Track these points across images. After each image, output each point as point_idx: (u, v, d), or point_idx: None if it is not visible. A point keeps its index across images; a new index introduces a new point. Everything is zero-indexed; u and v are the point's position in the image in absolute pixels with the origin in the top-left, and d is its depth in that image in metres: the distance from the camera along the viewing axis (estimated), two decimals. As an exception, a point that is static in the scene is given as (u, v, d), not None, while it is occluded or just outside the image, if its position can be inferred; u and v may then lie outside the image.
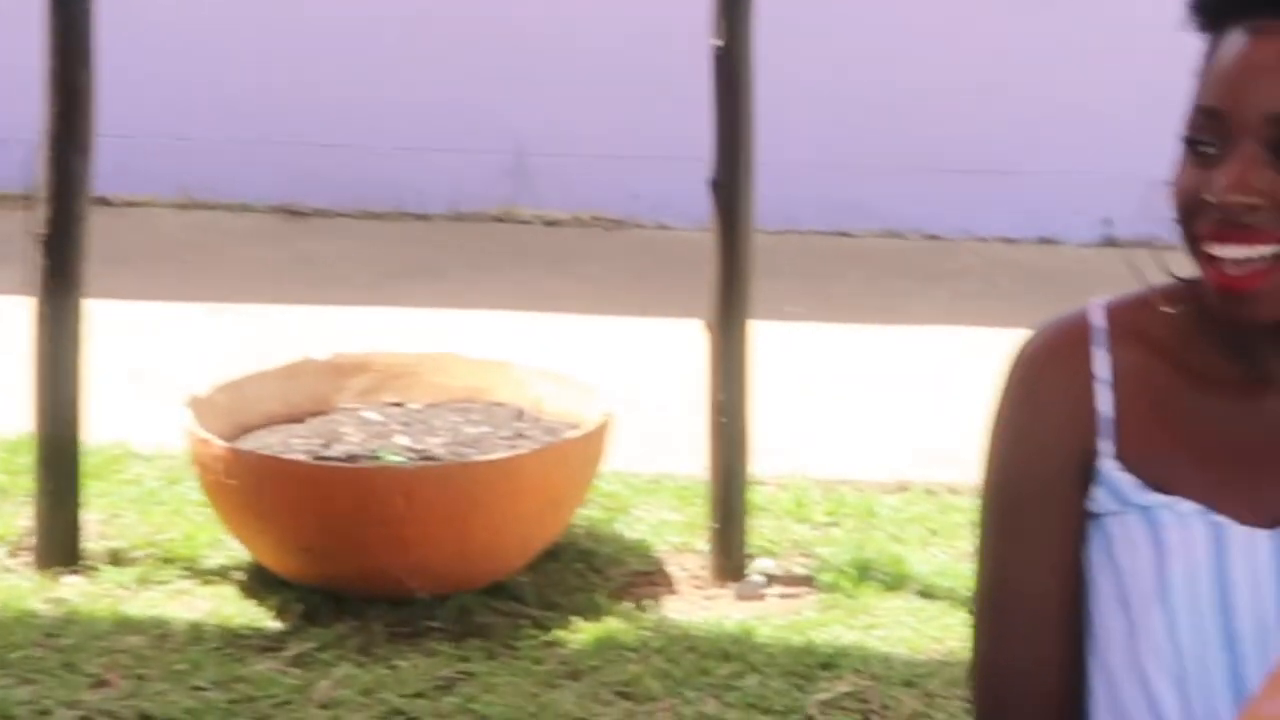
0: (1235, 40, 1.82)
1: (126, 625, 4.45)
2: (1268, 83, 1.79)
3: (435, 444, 4.78)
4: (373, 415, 4.95)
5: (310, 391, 4.99)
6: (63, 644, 4.36)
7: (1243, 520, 1.87)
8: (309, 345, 5.42)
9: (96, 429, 5.02)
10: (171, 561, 4.80)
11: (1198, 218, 1.82)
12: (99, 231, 7.70)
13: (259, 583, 4.62)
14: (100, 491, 5.12)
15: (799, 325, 6.69)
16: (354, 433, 4.84)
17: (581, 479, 4.62)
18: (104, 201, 7.95)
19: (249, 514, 4.49)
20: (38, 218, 4.75)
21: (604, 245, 7.76)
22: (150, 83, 7.90)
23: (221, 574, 4.71)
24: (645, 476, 5.30)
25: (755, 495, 5.00)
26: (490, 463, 4.43)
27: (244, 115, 7.97)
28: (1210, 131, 1.81)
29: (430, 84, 7.89)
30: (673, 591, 4.70)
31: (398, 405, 5.02)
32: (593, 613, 4.50)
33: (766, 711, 4.10)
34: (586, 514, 4.99)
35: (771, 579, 4.75)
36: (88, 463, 5.20)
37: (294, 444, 4.78)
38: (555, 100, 7.82)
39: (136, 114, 7.94)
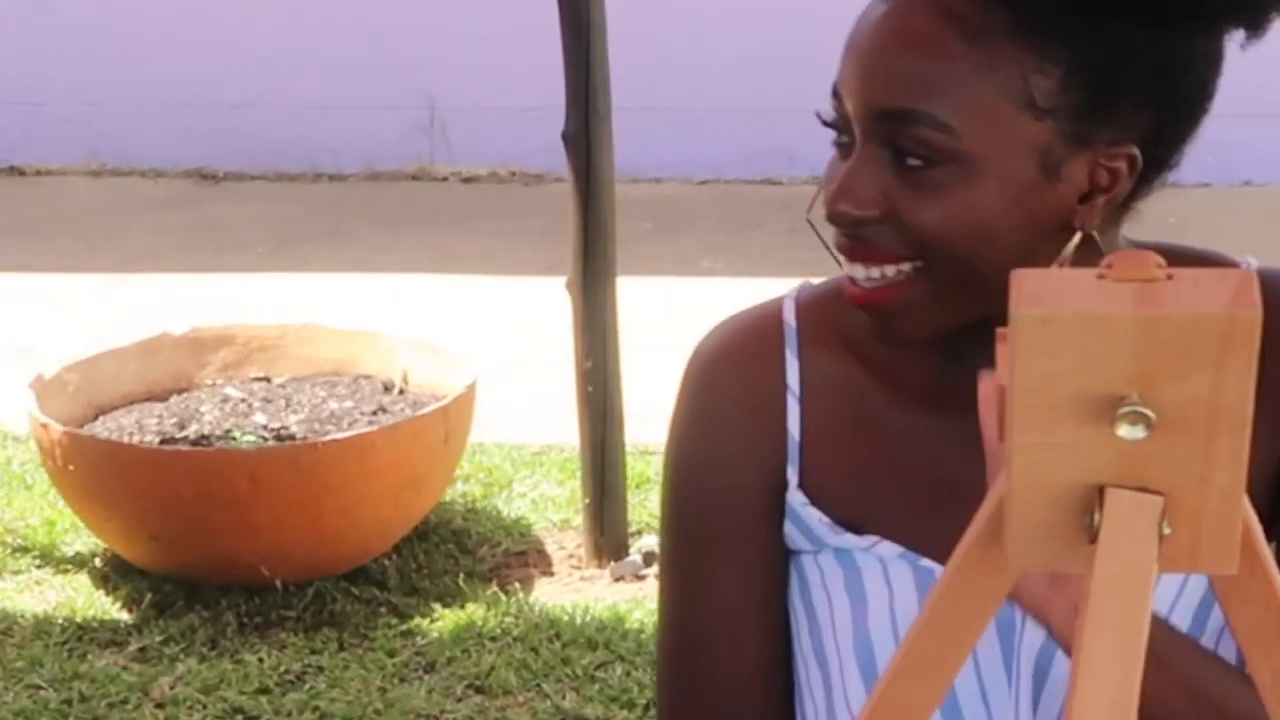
0: (869, 6, 1.49)
1: (-40, 619, 4.26)
2: (883, 67, 1.45)
3: (294, 421, 4.56)
4: (234, 392, 4.74)
5: (170, 368, 4.78)
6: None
7: None
8: (201, 316, 5.21)
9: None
10: (28, 550, 4.60)
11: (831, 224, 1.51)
12: (6, 202, 7.61)
13: (116, 572, 4.41)
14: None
15: (712, 280, 6.47)
16: (211, 411, 4.62)
17: (445, 455, 4.40)
18: (16, 170, 7.78)
19: (94, 501, 4.28)
20: None
21: (521, 201, 7.53)
22: (58, 48, 7.69)
23: (78, 563, 4.51)
24: (531, 449, 5.08)
25: (644, 466, 4.78)
26: (338, 442, 4.20)
27: (153, 78, 7.74)
28: (840, 118, 1.49)
29: (341, 39, 7.66)
30: (547, 573, 4.47)
31: (263, 380, 4.80)
32: (456, 598, 4.28)
33: (629, 705, 3.85)
34: (464, 490, 4.77)
35: (653, 558, 4.44)
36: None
37: (148, 424, 4.57)
38: (468, 51, 7.58)
39: (45, 81, 7.74)
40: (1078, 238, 1.48)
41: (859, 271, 1.48)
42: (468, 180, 7.70)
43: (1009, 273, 1.37)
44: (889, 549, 1.57)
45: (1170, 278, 0.97)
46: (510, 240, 6.99)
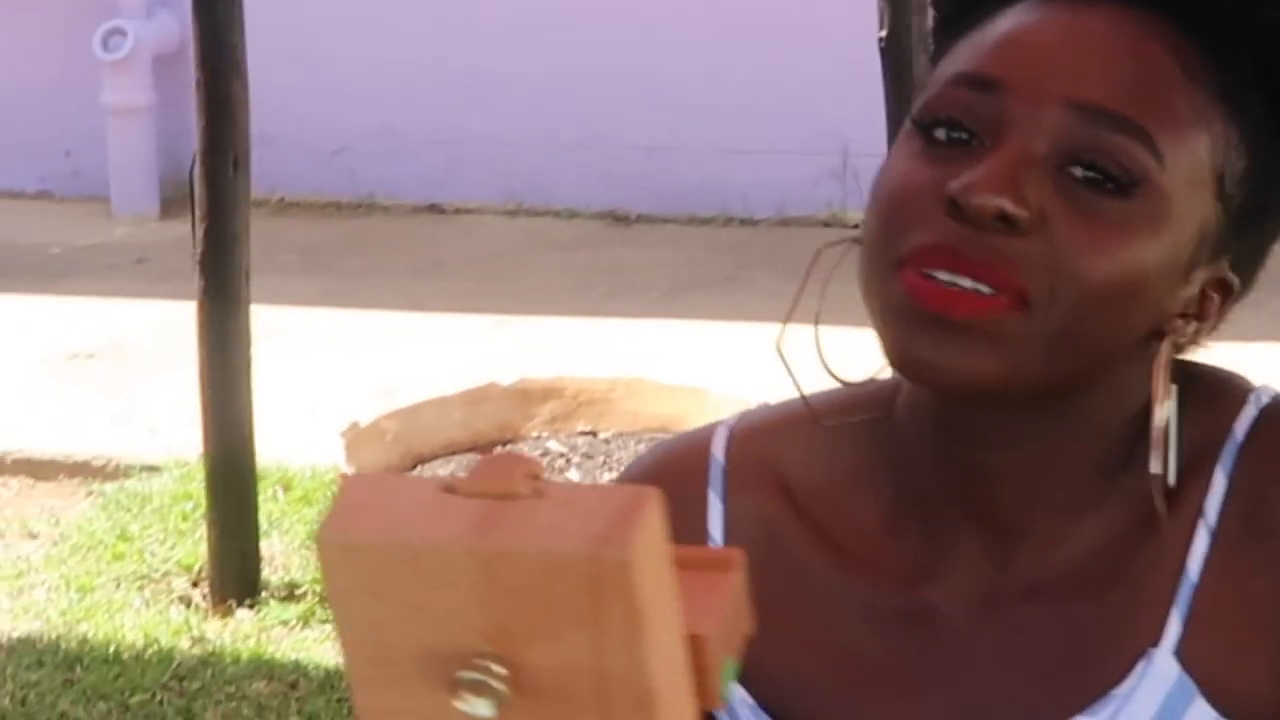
0: (1021, 11, 1.25)
1: (261, 670, 4.24)
2: (1094, 63, 1.21)
3: (606, 480, 4.43)
4: (556, 445, 4.64)
5: (495, 418, 4.71)
6: (189, 689, 4.16)
7: None
8: (569, 362, 5.15)
9: (325, 451, 4.86)
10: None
11: (916, 226, 1.20)
12: (425, 239, 7.69)
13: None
14: (306, 518, 4.93)
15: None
16: (525, 466, 4.53)
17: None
18: (436, 209, 7.87)
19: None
20: (195, 235, 4.55)
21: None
22: (479, 89, 7.75)
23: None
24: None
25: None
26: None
27: (570, 120, 7.73)
28: (977, 112, 1.21)
29: (757, 83, 7.52)
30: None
31: (589, 434, 4.69)
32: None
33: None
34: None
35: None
36: (304, 487, 5.05)
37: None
38: (880, 98, 7.35)
39: (467, 121, 7.80)
40: (1169, 346, 1.25)
41: (964, 282, 1.19)
42: (877, 228, 7.46)
43: (1114, 352, 1.23)
44: None
45: (539, 494, 0.73)
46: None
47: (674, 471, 1.36)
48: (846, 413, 1.33)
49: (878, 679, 1.32)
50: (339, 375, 5.97)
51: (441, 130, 7.83)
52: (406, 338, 6.37)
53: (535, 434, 4.70)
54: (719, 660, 0.81)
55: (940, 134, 1.22)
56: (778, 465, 1.35)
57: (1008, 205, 1.17)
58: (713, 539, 1.35)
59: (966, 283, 1.19)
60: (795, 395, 1.34)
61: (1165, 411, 1.24)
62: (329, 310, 6.66)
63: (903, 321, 1.21)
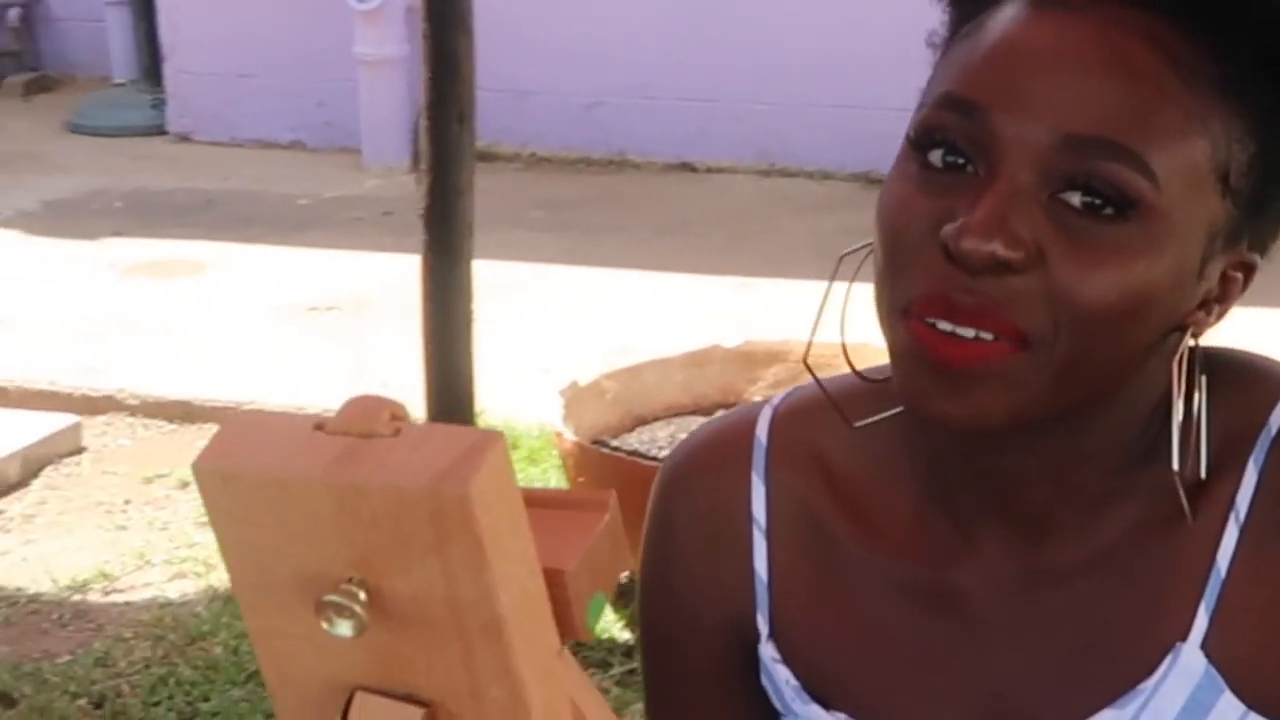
0: (1012, 12, 1.20)
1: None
2: (1081, 87, 1.16)
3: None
4: (779, 410, 4.52)
5: (719, 381, 4.61)
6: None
7: None
8: (798, 327, 5.03)
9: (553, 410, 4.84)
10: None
11: (915, 267, 1.19)
12: (674, 198, 7.64)
13: (630, 590, 4.27)
14: (530, 477, 4.89)
15: None
16: (747, 430, 4.43)
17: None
18: (687, 167, 7.82)
19: (601, 515, 4.15)
20: (420, 190, 4.52)
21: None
22: (734, 47, 7.67)
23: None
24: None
25: None
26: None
27: (825, 80, 7.62)
28: (964, 136, 1.18)
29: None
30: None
31: (814, 400, 4.57)
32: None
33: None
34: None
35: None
36: (530, 446, 5.02)
37: (679, 439, 4.41)
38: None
39: (721, 80, 7.74)
40: (1191, 341, 1.25)
41: (966, 332, 1.18)
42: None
43: (1127, 367, 1.21)
44: None
45: (397, 434, 0.76)
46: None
47: (719, 453, 1.39)
48: (881, 402, 1.33)
49: (907, 656, 1.33)
50: (576, 333, 5.95)
51: (696, 88, 7.77)
52: (647, 297, 6.33)
53: (758, 398, 4.58)
54: (583, 595, 0.86)
55: (935, 158, 1.20)
56: (817, 446, 1.37)
57: (1000, 250, 1.15)
58: (755, 519, 1.37)
59: (967, 332, 1.17)
60: (838, 376, 1.36)
61: (1184, 407, 1.23)
62: (572, 267, 6.65)
63: (910, 367, 1.21)
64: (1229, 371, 1.29)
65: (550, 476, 4.84)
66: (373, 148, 7.86)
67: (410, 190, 7.44)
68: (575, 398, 4.37)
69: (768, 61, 7.68)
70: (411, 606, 0.80)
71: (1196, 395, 1.25)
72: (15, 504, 5.06)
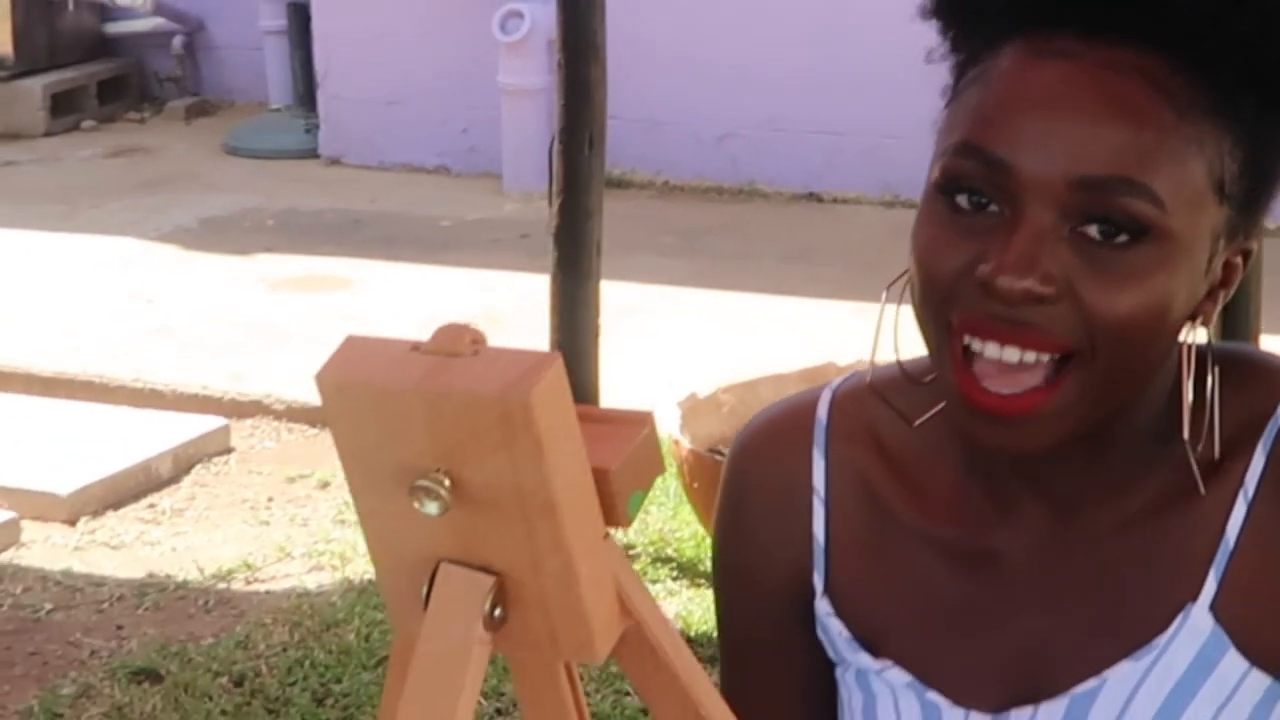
0: (1013, 59, 1.35)
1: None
2: (1090, 132, 1.30)
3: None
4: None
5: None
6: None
7: (960, 700, 1.46)
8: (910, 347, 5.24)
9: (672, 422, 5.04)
10: (670, 560, 4.75)
11: (955, 299, 1.33)
12: (799, 226, 7.84)
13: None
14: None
15: None
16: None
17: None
18: (814, 197, 8.02)
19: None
20: (552, 210, 4.77)
21: None
22: (863, 80, 7.87)
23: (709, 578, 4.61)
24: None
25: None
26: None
27: (949, 113, 7.79)
28: (987, 182, 1.32)
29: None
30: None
31: (918, 418, 4.78)
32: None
33: None
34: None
35: None
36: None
37: (788, 450, 4.64)
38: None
39: (847, 113, 7.93)
40: (1204, 333, 1.39)
41: (1005, 354, 1.32)
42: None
43: (1158, 366, 1.36)
44: (898, 676, 1.48)
45: (476, 354, 0.93)
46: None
47: (783, 429, 1.54)
48: (931, 393, 1.45)
49: (948, 611, 1.48)
50: (701, 351, 6.16)
51: (823, 121, 7.97)
52: (769, 320, 6.53)
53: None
54: (625, 490, 1.01)
55: (962, 200, 1.34)
56: (873, 423, 1.50)
57: (1035, 286, 1.30)
58: (816, 489, 1.51)
59: (1012, 355, 1.32)
60: (889, 366, 1.49)
61: (1194, 388, 1.37)
62: (699, 290, 6.87)
63: (962, 413, 1.36)
64: (1243, 364, 1.43)
65: (670, 483, 5.09)
66: (513, 173, 8.11)
67: (546, 214, 7.72)
68: (693, 409, 4.60)
69: (894, 96, 7.87)
70: (484, 491, 0.95)
71: (1210, 380, 1.37)
72: (167, 499, 5.34)
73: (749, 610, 1.56)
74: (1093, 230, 1.31)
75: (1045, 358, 1.32)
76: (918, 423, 1.46)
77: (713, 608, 1.62)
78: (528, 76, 8.05)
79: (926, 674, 1.48)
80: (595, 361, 4.78)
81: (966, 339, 1.33)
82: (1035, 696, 1.44)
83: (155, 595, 4.73)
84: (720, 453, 4.52)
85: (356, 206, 8.11)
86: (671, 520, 4.95)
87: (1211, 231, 1.34)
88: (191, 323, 6.66)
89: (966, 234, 1.33)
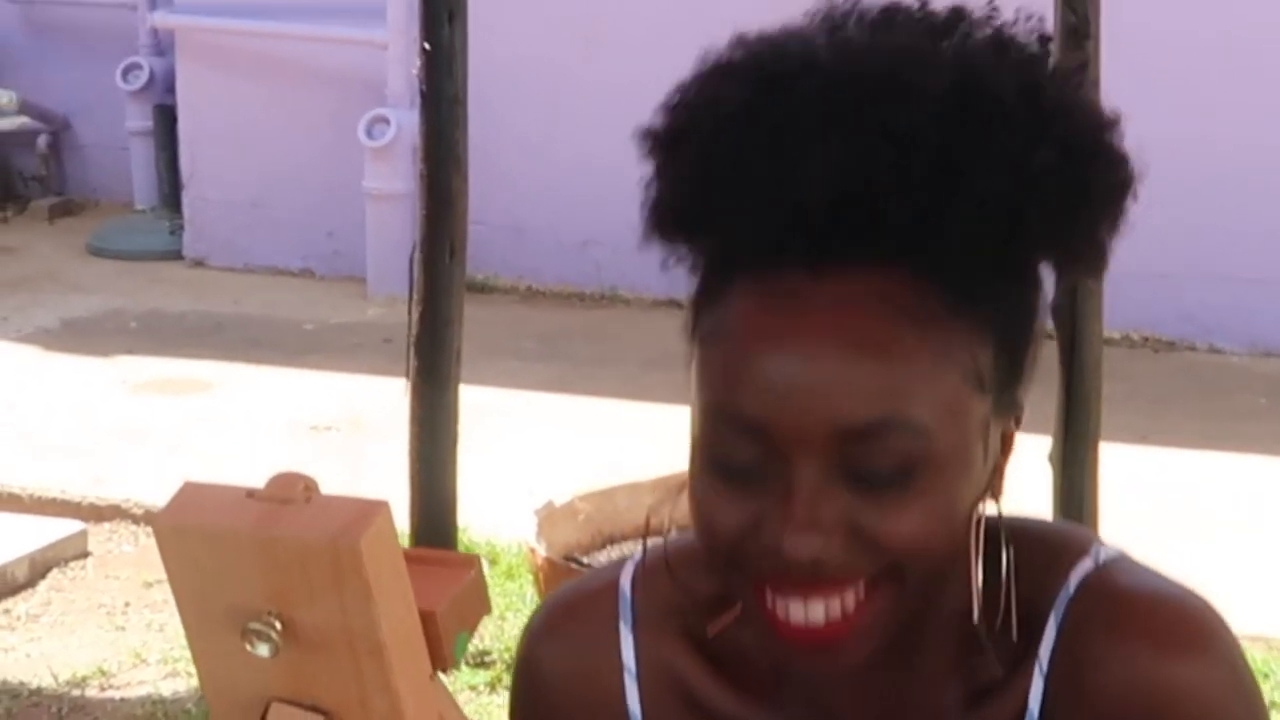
0: (745, 302, 1.28)
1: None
2: (839, 380, 1.25)
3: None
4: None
5: (685, 505, 4.88)
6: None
7: None
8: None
9: (531, 529, 5.07)
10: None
11: (745, 559, 1.29)
12: (661, 332, 7.88)
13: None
14: (507, 591, 5.16)
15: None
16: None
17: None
18: (675, 303, 8.08)
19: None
20: (410, 319, 4.82)
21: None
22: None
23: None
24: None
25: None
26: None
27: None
28: (749, 447, 1.27)
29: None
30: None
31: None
32: None
33: None
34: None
35: None
36: (509, 562, 5.26)
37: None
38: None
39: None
40: (997, 506, 1.36)
41: (817, 611, 1.29)
42: None
43: (959, 554, 1.34)
44: None
45: (309, 500, 0.99)
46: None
47: (585, 609, 1.46)
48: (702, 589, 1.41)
49: None
50: (561, 458, 6.20)
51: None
52: (630, 425, 6.58)
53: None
54: (451, 632, 1.07)
55: (730, 464, 1.28)
56: (679, 609, 1.43)
57: (818, 553, 1.26)
58: (626, 665, 1.44)
59: (817, 609, 1.28)
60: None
61: (983, 566, 1.34)
62: (559, 395, 6.91)
63: (770, 642, 1.32)
64: (1033, 540, 1.39)
65: (526, 590, 5.12)
66: (377, 277, 8.14)
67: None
68: (549, 517, 4.65)
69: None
70: (315, 634, 1.00)
71: (1005, 559, 1.34)
72: (22, 604, 5.31)
73: None
74: (863, 471, 1.27)
75: (849, 595, 1.29)
76: (713, 633, 1.41)
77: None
78: (393, 182, 8.09)
79: None
80: (454, 468, 4.82)
81: (768, 593, 1.30)
82: None
83: (8, 702, 4.70)
84: (578, 560, 4.56)
85: (220, 309, 8.11)
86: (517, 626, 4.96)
87: (981, 426, 1.31)
88: (50, 425, 6.65)
89: (742, 491, 1.28)
